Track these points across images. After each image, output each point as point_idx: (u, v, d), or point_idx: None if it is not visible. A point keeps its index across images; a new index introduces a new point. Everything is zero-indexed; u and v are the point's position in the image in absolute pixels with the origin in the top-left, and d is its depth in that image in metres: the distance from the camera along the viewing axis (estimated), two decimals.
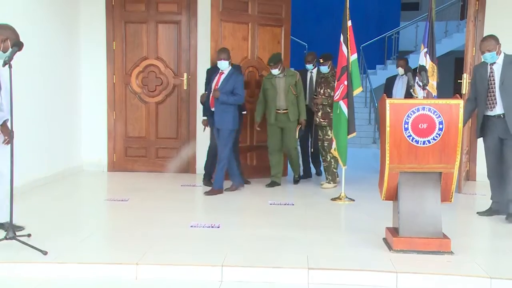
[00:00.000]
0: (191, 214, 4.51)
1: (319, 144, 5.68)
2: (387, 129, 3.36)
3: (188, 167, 6.42)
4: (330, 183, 5.62)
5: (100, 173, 6.34)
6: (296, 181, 5.71)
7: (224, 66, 5.09)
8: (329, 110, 5.48)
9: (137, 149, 6.49)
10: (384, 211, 4.04)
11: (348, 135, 5.01)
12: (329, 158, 5.57)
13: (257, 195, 5.25)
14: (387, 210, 3.79)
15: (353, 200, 5.04)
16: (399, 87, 5.94)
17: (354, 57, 5.01)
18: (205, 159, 5.63)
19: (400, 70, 5.91)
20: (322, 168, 6.15)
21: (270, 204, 4.86)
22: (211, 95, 5.13)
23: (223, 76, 5.10)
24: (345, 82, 4.95)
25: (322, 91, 5.55)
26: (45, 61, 5.57)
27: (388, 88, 6.05)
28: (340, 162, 5.08)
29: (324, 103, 5.51)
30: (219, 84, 5.08)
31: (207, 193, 5.14)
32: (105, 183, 5.92)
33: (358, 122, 9.74)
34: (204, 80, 5.67)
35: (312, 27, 11.58)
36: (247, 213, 4.61)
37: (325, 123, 5.54)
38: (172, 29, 6.38)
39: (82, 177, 6.13)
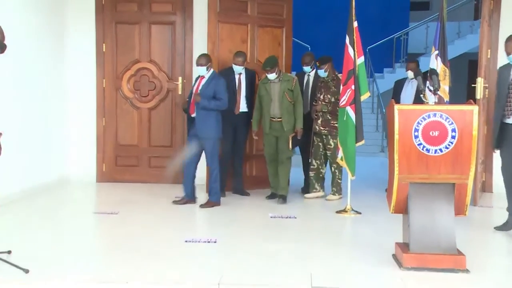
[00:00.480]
0: (186, 228, 4.47)
1: (320, 153, 5.58)
2: (396, 136, 3.33)
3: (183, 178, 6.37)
4: (335, 194, 5.57)
5: (88, 184, 6.30)
6: (280, 199, 5.32)
7: (202, 71, 5.11)
8: (330, 117, 5.43)
9: (129, 158, 6.46)
10: (393, 225, 4.00)
11: (356, 143, 4.98)
12: (333, 168, 5.52)
13: (257, 207, 5.22)
14: (396, 224, 3.75)
15: (360, 213, 5.00)
16: (408, 91, 5.86)
17: (361, 60, 5.00)
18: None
19: (410, 74, 5.82)
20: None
21: (271, 217, 4.83)
22: (191, 100, 5.10)
23: (203, 81, 5.11)
24: (353, 87, 4.93)
25: (321, 96, 5.49)
26: (29, 63, 5.54)
27: (396, 92, 5.97)
28: (348, 172, 5.04)
29: (324, 110, 5.44)
30: (199, 89, 5.09)
31: (203, 206, 5.11)
32: (94, 195, 5.87)
33: (365, 129, 9.70)
34: None
35: (315, 28, 11.59)
36: (246, 227, 4.57)
37: (326, 131, 5.48)
38: (166, 31, 6.38)
39: (68, 189, 6.09)
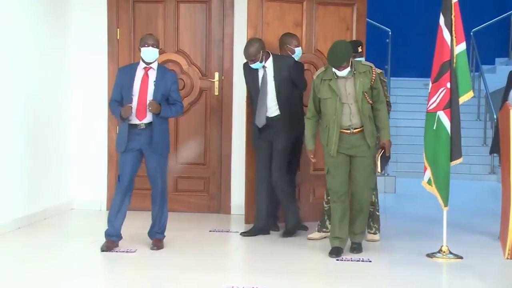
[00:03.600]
0: (224, 274, 4.55)
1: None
2: None
3: (219, 205, 6.49)
4: (377, 233, 5.41)
5: (96, 213, 6.46)
6: (354, 249, 5.04)
7: (151, 56, 4.95)
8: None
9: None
10: (509, 276, 3.92)
11: (451, 161, 4.93)
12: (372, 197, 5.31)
13: (318, 246, 5.24)
14: None
15: (461, 258, 4.94)
16: None
17: (461, 47, 4.95)
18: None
19: None
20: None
21: (337, 260, 4.84)
22: (133, 106, 4.87)
23: (152, 75, 4.98)
24: (448, 85, 4.90)
25: None
26: (20, 60, 5.75)
27: (509, 89, 5.80)
28: (440, 201, 4.99)
29: None
30: (151, 89, 4.94)
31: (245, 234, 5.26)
32: (103, 226, 6.03)
33: (467, 142, 9.52)
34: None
35: (398, 5, 11.54)
36: (302, 273, 4.60)
37: None
38: (199, 11, 6.53)
39: (71, 219, 6.30)
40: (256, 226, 5.57)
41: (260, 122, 5.45)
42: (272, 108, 5.50)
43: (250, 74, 5.54)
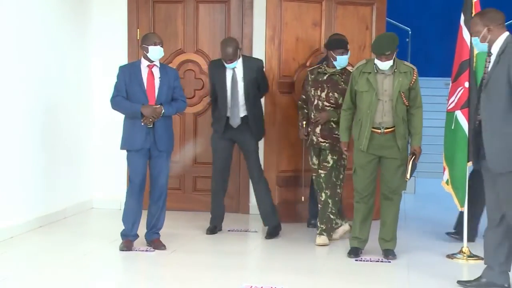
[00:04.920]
0: (242, 273, 4.57)
1: (313, 176, 5.35)
2: None
3: (238, 205, 6.50)
4: (323, 234, 5.27)
5: (115, 212, 6.48)
6: (390, 255, 4.91)
7: (158, 54, 4.97)
8: (334, 125, 5.18)
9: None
10: None
11: (468, 161, 4.89)
12: (323, 196, 5.26)
13: (337, 246, 5.24)
14: None
15: (482, 259, 4.87)
16: None
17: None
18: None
19: None
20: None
21: (356, 260, 4.85)
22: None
23: (156, 73, 5.00)
24: (466, 84, 4.87)
25: (323, 95, 5.21)
26: (40, 60, 5.83)
27: None
28: (456, 201, 4.97)
29: (333, 118, 5.17)
30: (157, 88, 4.99)
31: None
32: (122, 226, 6.09)
33: None
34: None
35: (418, 4, 11.49)
36: (321, 273, 4.62)
37: (326, 144, 5.21)
38: (219, 11, 6.57)
39: (90, 218, 6.39)
40: (213, 225, 5.66)
41: (235, 122, 5.48)
42: (240, 108, 5.51)
43: (218, 73, 5.53)
